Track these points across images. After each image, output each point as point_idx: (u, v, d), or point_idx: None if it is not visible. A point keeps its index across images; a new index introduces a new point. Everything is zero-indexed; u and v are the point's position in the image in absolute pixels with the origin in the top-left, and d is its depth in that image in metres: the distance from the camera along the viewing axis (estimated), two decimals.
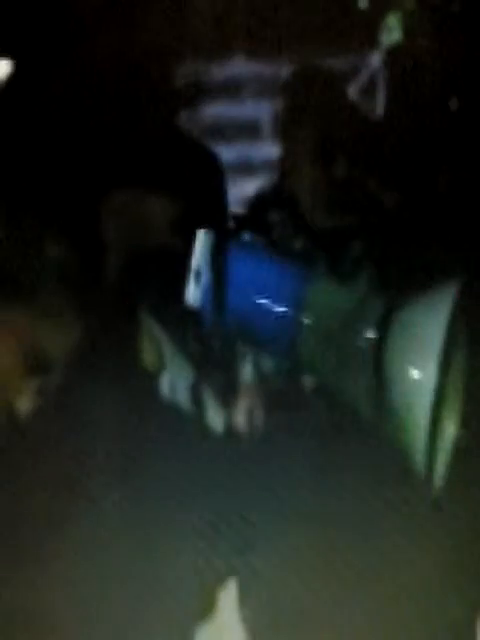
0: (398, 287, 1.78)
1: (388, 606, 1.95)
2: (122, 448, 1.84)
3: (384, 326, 1.68)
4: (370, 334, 1.69)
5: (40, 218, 1.87)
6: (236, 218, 2.01)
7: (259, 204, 2.04)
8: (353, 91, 2.22)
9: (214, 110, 2.32)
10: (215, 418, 1.93)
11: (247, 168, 2.27)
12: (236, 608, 2.03)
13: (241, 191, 2.17)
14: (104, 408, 1.83)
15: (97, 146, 1.95)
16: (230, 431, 1.94)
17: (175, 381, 1.92)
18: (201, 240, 1.75)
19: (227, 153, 2.23)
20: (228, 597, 1.99)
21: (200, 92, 2.30)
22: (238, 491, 1.88)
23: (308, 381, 1.90)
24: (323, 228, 1.99)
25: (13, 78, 2.09)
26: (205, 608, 1.93)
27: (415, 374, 1.63)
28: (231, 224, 2.00)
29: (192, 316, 1.77)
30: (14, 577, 1.80)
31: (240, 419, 1.94)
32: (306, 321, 1.74)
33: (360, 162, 2.05)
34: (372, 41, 2.28)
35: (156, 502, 1.83)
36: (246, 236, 1.86)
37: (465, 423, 1.76)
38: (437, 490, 1.72)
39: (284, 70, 2.20)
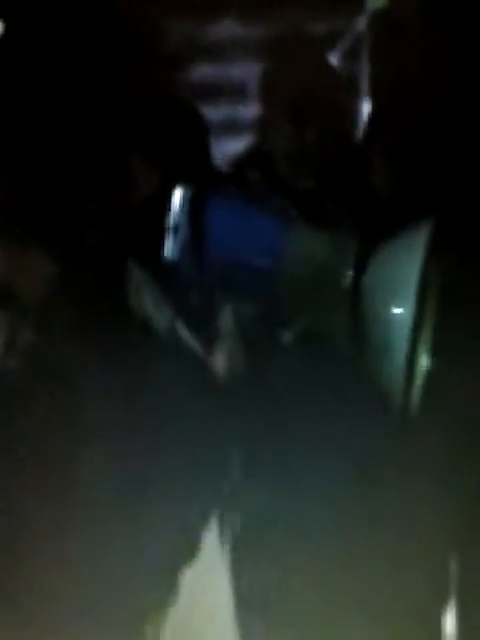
0: (373, 231, 1.84)
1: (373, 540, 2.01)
2: (111, 391, 1.88)
3: (362, 267, 1.78)
4: (348, 275, 1.78)
5: (22, 170, 1.92)
6: (217, 174, 2.06)
7: (239, 163, 2.09)
8: (336, 55, 2.26)
9: (202, 71, 2.37)
10: (198, 363, 1.97)
11: (233, 128, 2.32)
12: (219, 549, 2.10)
13: (227, 150, 2.22)
14: (95, 350, 1.88)
15: (86, 104, 2.00)
16: (213, 375, 1.99)
17: (162, 330, 1.96)
18: (179, 195, 1.81)
19: (214, 113, 2.27)
20: (212, 539, 2.05)
21: (190, 53, 2.34)
22: (223, 433, 1.94)
23: (288, 325, 1.96)
24: (298, 187, 2.04)
25: (5, 39, 2.14)
26: (190, 551, 1.98)
27: (395, 310, 1.73)
28: (211, 179, 2.06)
29: (170, 268, 1.82)
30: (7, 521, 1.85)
31: (221, 363, 1.99)
32: (285, 268, 1.81)
33: (339, 126, 2.10)
34: (357, 5, 2.32)
35: (144, 445, 1.87)
36: (224, 190, 1.92)
37: (436, 354, 1.84)
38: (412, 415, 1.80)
39: (271, 32, 2.24)
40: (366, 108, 2.25)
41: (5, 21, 2.13)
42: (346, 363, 1.84)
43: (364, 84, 2.28)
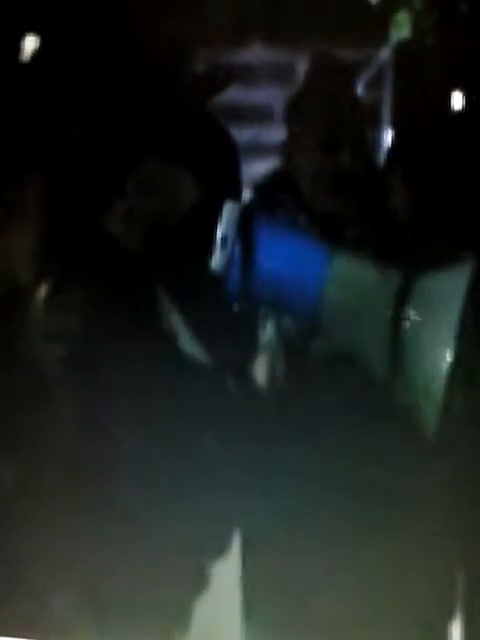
0: (417, 264, 1.88)
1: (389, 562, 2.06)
2: (140, 400, 1.93)
3: (401, 301, 1.81)
4: (391, 307, 1.81)
5: (66, 191, 1.98)
6: (258, 191, 2.13)
7: (265, 184, 2.16)
8: (361, 83, 2.34)
9: (230, 94, 2.44)
10: (228, 378, 2.03)
11: (258, 149, 2.39)
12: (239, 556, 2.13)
13: (252, 172, 2.29)
14: (125, 361, 1.93)
15: (125, 123, 2.06)
16: (245, 391, 2.04)
17: (191, 343, 2.02)
18: (228, 210, 1.87)
19: (241, 135, 2.34)
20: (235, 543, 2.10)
21: (221, 76, 2.41)
22: (249, 446, 1.99)
23: (326, 345, 2.00)
24: (324, 210, 2.11)
25: (41, 56, 2.21)
26: (216, 552, 2.02)
27: (435, 345, 1.76)
28: (255, 198, 2.12)
29: (215, 281, 1.88)
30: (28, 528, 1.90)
31: (259, 379, 2.04)
32: (329, 291, 1.86)
33: (365, 151, 2.16)
34: (382, 36, 2.40)
35: (170, 454, 1.92)
36: (272, 208, 1.99)
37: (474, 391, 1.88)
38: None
39: (297, 59, 2.31)
40: (389, 136, 2.33)
41: (43, 36, 2.21)
42: (380, 387, 1.87)
43: (387, 112, 2.37)
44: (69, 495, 1.87)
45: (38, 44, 2.27)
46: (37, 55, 2.26)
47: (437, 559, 2.09)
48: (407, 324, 1.79)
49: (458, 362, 1.76)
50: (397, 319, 1.80)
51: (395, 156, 2.22)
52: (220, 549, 2.01)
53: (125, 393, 1.90)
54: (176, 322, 1.98)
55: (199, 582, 1.99)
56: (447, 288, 1.79)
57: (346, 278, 1.87)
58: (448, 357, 1.74)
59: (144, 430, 1.91)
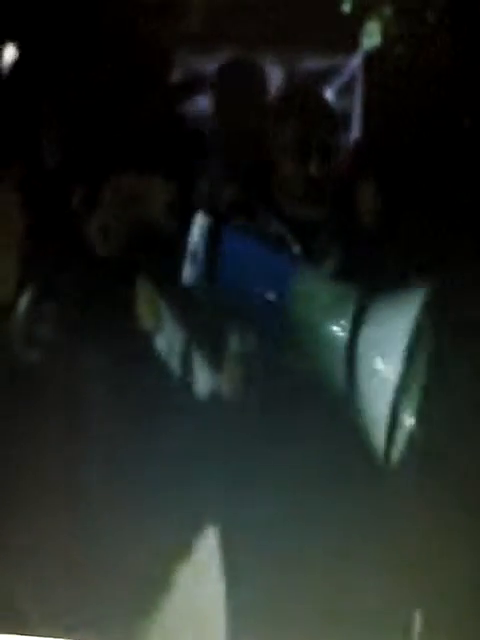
0: (373, 285, 1.92)
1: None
2: (117, 398, 1.96)
3: (357, 320, 1.85)
4: (345, 326, 1.85)
5: (43, 200, 2.00)
6: (230, 203, 2.15)
7: (241, 192, 2.18)
8: (332, 91, 2.36)
9: (204, 102, 2.46)
10: (201, 380, 2.05)
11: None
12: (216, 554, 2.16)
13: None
14: (103, 361, 1.96)
15: (97, 131, 2.08)
16: (216, 393, 2.08)
17: (171, 342, 2.05)
18: (198, 223, 1.89)
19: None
20: (208, 542, 2.13)
21: (194, 84, 2.44)
22: (215, 443, 2.03)
23: (288, 358, 2.02)
24: (299, 218, 2.13)
25: (19, 65, 2.23)
26: (185, 552, 2.07)
27: (381, 366, 1.80)
28: (224, 209, 2.14)
29: (186, 293, 1.91)
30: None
31: (225, 384, 2.07)
32: (293, 307, 1.90)
33: (335, 160, 2.18)
34: (353, 45, 2.42)
35: (147, 447, 1.97)
36: (241, 223, 2.01)
37: (420, 415, 1.92)
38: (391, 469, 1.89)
39: (270, 69, 2.34)
40: (360, 143, 2.35)
41: (20, 46, 2.23)
42: (336, 403, 1.90)
43: (357, 120, 2.39)
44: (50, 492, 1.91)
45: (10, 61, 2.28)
46: (9, 72, 2.28)
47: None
48: (360, 344, 1.81)
49: (404, 385, 1.79)
50: (352, 339, 1.82)
51: (365, 164, 2.24)
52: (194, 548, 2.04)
53: (108, 379, 1.98)
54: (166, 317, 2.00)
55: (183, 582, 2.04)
56: (398, 310, 1.82)
57: (307, 294, 1.90)
58: (393, 381, 1.77)
59: (121, 430, 1.95)
